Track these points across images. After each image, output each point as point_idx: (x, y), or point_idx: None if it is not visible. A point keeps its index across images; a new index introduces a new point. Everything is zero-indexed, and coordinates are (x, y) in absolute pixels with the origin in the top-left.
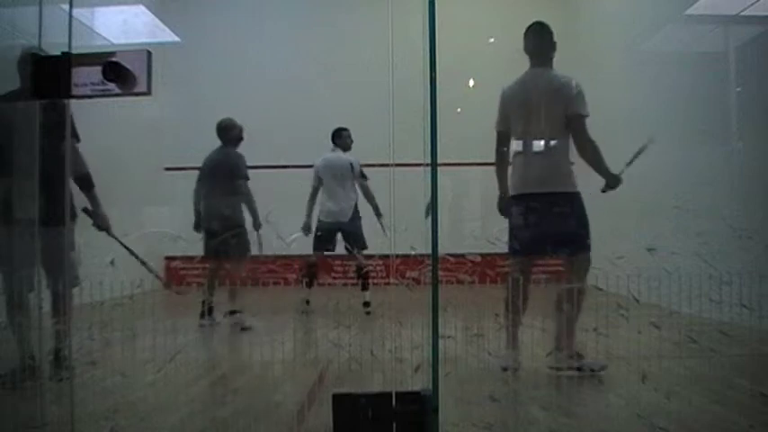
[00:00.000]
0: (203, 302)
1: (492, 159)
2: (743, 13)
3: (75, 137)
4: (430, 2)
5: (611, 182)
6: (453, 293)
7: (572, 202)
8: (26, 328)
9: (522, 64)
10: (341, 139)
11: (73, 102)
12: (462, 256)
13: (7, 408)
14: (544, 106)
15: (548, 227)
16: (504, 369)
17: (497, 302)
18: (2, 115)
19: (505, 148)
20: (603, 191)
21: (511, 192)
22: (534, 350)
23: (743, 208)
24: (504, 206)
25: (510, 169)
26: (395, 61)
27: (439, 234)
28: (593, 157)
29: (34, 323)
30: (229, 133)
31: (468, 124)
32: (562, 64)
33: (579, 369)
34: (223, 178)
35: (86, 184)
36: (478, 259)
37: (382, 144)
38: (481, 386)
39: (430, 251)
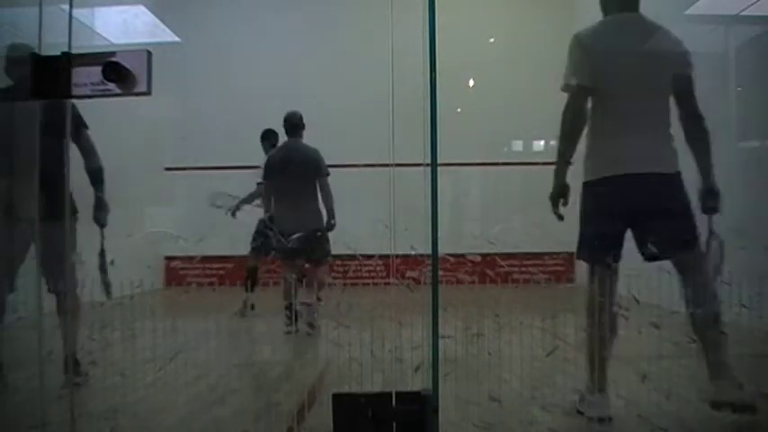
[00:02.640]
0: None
1: (492, 158)
2: (743, 13)
3: (83, 125)
4: (430, 2)
5: (712, 187)
6: (453, 293)
7: (679, 185)
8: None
9: (523, 64)
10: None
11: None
12: (462, 256)
13: (7, 408)
14: (650, 61)
15: (654, 219)
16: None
17: (497, 302)
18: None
19: (583, 108)
20: (707, 209)
21: (595, 175)
22: (535, 351)
23: (743, 208)
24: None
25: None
26: (395, 61)
27: (439, 234)
28: (705, 135)
29: (34, 324)
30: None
31: (469, 124)
32: (563, 64)
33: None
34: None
35: (98, 178)
36: (478, 259)
37: (382, 144)
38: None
39: (430, 251)
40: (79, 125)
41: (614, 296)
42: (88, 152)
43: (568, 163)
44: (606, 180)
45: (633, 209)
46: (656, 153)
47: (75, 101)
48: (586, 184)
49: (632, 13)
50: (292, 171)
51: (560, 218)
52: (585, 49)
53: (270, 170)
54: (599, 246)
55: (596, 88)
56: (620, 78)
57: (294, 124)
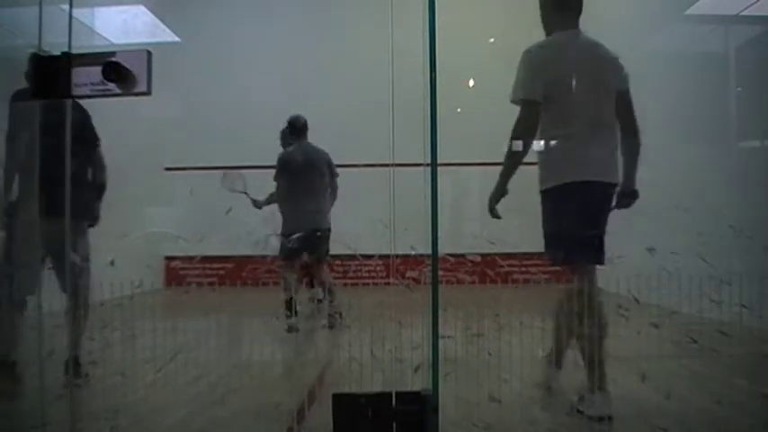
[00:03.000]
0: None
1: (492, 159)
2: (743, 13)
3: (97, 141)
4: (430, 1)
5: (634, 189)
6: (453, 293)
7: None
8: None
9: None
10: None
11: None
12: (462, 256)
13: (7, 408)
14: (597, 76)
15: (603, 222)
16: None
17: (497, 302)
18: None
19: (536, 122)
20: (623, 205)
21: (555, 181)
22: (535, 351)
23: (743, 208)
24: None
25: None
26: (395, 61)
27: (439, 234)
28: (638, 147)
29: (34, 323)
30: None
31: (468, 124)
32: None
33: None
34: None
35: (100, 193)
36: (478, 259)
37: (382, 144)
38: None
39: (430, 251)
40: (94, 141)
41: (594, 295)
42: (98, 168)
43: (515, 168)
44: (567, 186)
45: (590, 213)
46: (610, 162)
47: (89, 117)
48: (547, 191)
49: (574, 30)
50: (311, 172)
51: (498, 217)
52: (537, 66)
53: (284, 168)
54: (562, 247)
55: (548, 102)
56: (573, 92)
57: (300, 128)
